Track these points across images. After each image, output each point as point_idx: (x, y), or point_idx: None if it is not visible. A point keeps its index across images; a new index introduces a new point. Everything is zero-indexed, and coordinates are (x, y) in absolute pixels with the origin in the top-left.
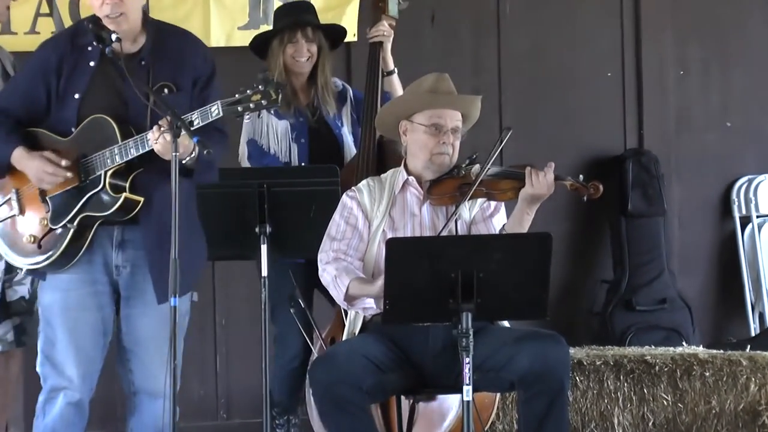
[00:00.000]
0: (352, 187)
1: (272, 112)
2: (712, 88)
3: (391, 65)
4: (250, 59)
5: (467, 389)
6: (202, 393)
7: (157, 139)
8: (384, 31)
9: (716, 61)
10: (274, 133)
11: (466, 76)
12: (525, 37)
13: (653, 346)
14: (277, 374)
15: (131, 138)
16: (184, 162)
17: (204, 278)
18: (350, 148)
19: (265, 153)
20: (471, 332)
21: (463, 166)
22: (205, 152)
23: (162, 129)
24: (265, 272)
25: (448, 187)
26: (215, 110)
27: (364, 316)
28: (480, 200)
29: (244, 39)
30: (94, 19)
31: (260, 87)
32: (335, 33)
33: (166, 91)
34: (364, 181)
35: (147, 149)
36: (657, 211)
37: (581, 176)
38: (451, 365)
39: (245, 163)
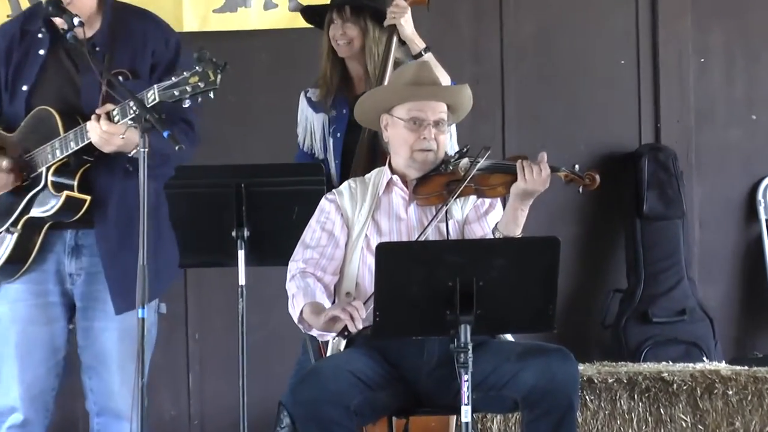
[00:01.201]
0: (333, 190)
1: (311, 104)
2: (736, 78)
3: (419, 45)
4: (228, 45)
5: (466, 409)
6: (173, 413)
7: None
8: (394, 11)
9: (741, 48)
10: (311, 128)
11: (465, 65)
12: (530, 21)
13: (671, 362)
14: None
15: (75, 129)
16: (131, 155)
17: (175, 287)
18: None
19: (303, 152)
20: (470, 347)
21: (452, 160)
22: (176, 148)
23: (102, 118)
24: (242, 280)
25: (435, 185)
26: (152, 96)
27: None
28: (472, 198)
29: (220, 23)
30: (55, 1)
31: (197, 68)
32: (378, 14)
33: (121, 78)
34: (345, 183)
35: (87, 141)
36: (675, 213)
37: (576, 166)
38: (448, 383)
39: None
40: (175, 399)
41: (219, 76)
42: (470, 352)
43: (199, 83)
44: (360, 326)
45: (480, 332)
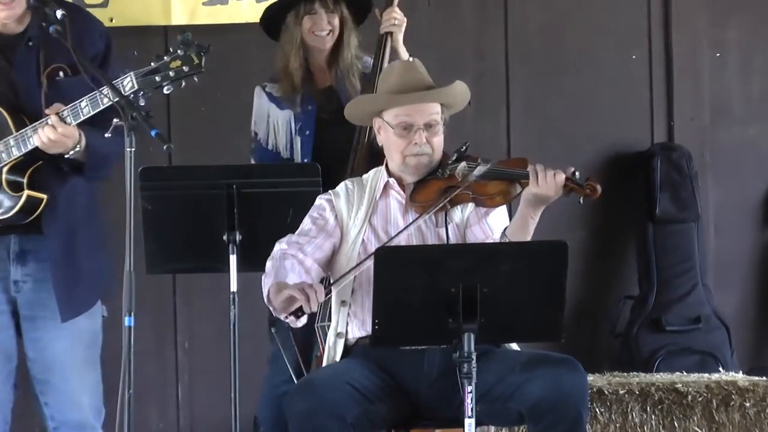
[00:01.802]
0: (329, 190)
1: (272, 100)
2: (753, 74)
3: (404, 55)
4: (218, 39)
5: (469, 423)
6: (161, 426)
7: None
8: (396, 18)
9: (758, 43)
10: (274, 125)
11: (468, 60)
12: (536, 14)
13: (685, 373)
14: (264, 397)
15: (28, 127)
16: (69, 156)
17: (164, 294)
18: None
19: (264, 148)
20: (473, 356)
21: (449, 163)
22: (165, 147)
23: (55, 120)
24: (234, 287)
25: (432, 191)
26: (129, 83)
27: (347, 339)
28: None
29: (209, 16)
30: None
31: (179, 51)
32: (360, 2)
33: (61, 74)
34: (342, 184)
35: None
36: (689, 216)
37: (576, 172)
38: (451, 395)
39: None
40: (162, 411)
41: (203, 59)
42: (474, 362)
43: (183, 67)
44: (315, 309)
45: (484, 341)
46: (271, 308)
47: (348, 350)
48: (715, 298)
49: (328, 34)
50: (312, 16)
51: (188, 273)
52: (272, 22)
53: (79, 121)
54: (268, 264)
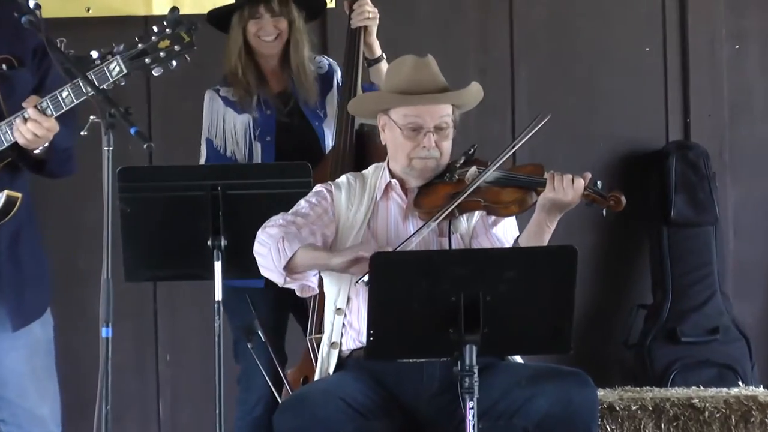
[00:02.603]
0: (329, 182)
1: (228, 104)
2: None
3: (378, 51)
4: (202, 30)
5: None
6: None
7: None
8: (369, 12)
9: None
10: (231, 130)
11: (470, 54)
12: (543, 3)
13: (702, 387)
14: (240, 420)
15: (4, 121)
16: (36, 152)
17: (144, 303)
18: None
19: (221, 155)
20: (476, 370)
21: (458, 166)
22: (145, 146)
23: (35, 113)
24: (219, 295)
25: (438, 197)
26: (115, 68)
27: (341, 351)
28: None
29: (194, 6)
30: None
31: (167, 30)
32: (310, 2)
33: (4, 67)
34: (343, 177)
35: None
36: (707, 218)
37: (599, 183)
38: (451, 411)
39: None
40: (142, 429)
41: (194, 36)
42: (476, 375)
43: (174, 46)
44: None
45: (487, 353)
46: (284, 273)
47: (342, 363)
48: (734, 307)
49: (275, 38)
50: (257, 21)
51: (170, 281)
52: (222, 21)
53: (61, 112)
54: (273, 230)
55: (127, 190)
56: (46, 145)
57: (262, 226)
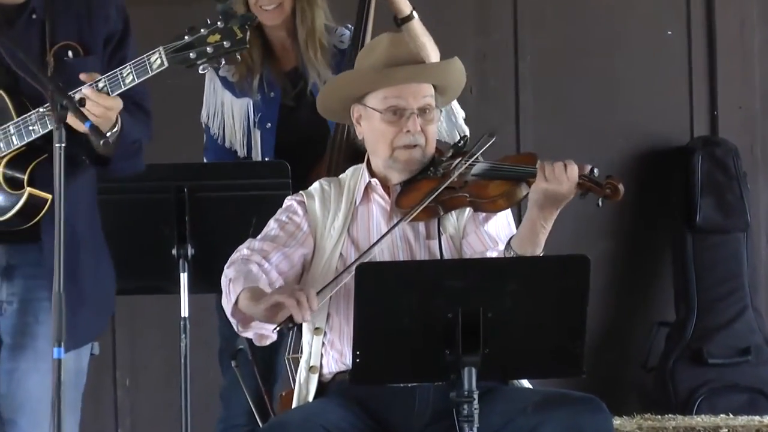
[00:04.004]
0: (300, 191)
1: (227, 86)
2: None
3: (406, 7)
4: (182, 8)
5: None
6: None
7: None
8: None
9: None
10: (229, 116)
11: (469, 36)
12: None
13: (731, 414)
14: None
15: (32, 112)
16: (102, 142)
17: None
18: None
19: (220, 147)
20: (475, 395)
21: (444, 159)
22: (101, 142)
23: (93, 90)
24: (185, 311)
25: (421, 194)
26: (156, 60)
27: (321, 375)
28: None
29: None
30: None
31: (219, 24)
32: None
33: (70, 54)
34: (316, 183)
35: (52, 127)
36: (737, 224)
37: (596, 170)
38: None
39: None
40: None
41: (248, 33)
42: (476, 402)
43: (223, 42)
44: (308, 318)
45: (488, 377)
46: (235, 323)
47: (323, 388)
48: (767, 324)
49: (277, 7)
50: None
51: (130, 294)
52: None
53: (119, 92)
54: (229, 270)
55: None
56: (116, 131)
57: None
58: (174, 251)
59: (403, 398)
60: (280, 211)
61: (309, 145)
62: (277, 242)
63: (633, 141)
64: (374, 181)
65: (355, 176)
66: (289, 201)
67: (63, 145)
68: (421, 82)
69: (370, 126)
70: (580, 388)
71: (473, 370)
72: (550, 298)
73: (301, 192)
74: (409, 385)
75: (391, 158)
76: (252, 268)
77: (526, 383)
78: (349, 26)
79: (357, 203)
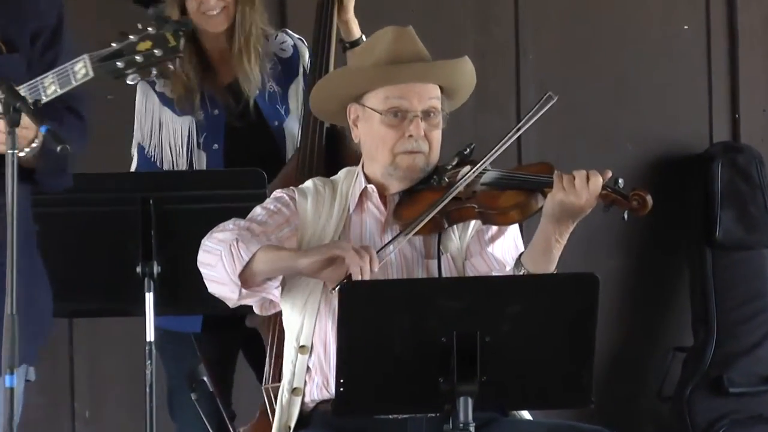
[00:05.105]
0: (292, 187)
1: (166, 103)
2: None
3: (356, 32)
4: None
5: None
6: None
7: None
8: None
9: None
10: (168, 137)
11: (468, 34)
12: None
13: None
14: None
15: None
16: (21, 155)
17: (58, 345)
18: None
19: (156, 168)
20: (472, 428)
21: (449, 168)
22: (59, 148)
23: None
24: (151, 335)
25: (423, 206)
26: (81, 69)
27: (303, 403)
28: (473, 222)
29: None
30: None
31: (150, 30)
32: None
33: None
34: (309, 182)
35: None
36: (761, 239)
37: (620, 181)
38: None
39: None
40: None
41: (181, 41)
42: None
43: (155, 50)
44: (367, 276)
45: (486, 407)
46: (238, 284)
47: (305, 418)
48: None
49: (222, 11)
50: None
51: (90, 317)
52: None
53: (44, 102)
54: (224, 234)
55: (38, 204)
56: (35, 145)
57: (208, 233)
58: (138, 269)
59: (393, 430)
60: (268, 199)
61: (261, 165)
62: (264, 227)
63: (645, 147)
64: (371, 187)
65: (349, 179)
66: (280, 193)
67: (16, 152)
68: (427, 82)
69: (369, 128)
70: (589, 420)
71: (469, 400)
72: (554, 320)
73: (293, 188)
74: (400, 416)
75: (391, 165)
76: (252, 234)
77: (527, 414)
78: (289, 31)
79: (350, 211)
